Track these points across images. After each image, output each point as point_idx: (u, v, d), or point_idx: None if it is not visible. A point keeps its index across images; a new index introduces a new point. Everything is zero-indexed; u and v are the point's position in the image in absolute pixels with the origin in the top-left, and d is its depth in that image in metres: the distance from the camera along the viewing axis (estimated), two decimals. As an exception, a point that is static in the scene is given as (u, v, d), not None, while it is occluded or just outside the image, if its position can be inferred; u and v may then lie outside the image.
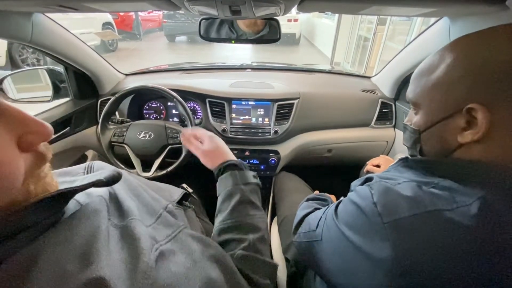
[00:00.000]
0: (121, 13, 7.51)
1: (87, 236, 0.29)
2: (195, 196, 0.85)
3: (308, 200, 0.74)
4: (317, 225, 0.51)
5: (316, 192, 0.96)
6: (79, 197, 0.35)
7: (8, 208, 0.24)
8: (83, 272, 0.25)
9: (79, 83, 1.15)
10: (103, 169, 0.49)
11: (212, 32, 0.86)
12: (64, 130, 1.08)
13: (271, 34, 0.81)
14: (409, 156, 0.47)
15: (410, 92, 0.45)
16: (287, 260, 0.83)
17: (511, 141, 0.34)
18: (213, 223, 0.93)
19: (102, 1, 0.55)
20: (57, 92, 1.10)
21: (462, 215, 0.32)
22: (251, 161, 1.20)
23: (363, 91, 1.28)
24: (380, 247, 0.35)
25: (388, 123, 1.26)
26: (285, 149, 1.20)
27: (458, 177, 0.36)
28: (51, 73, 1.08)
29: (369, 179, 0.47)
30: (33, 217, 0.26)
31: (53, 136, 1.03)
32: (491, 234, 0.31)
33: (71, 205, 0.33)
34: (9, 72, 0.96)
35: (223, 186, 0.58)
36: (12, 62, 3.90)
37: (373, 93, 1.27)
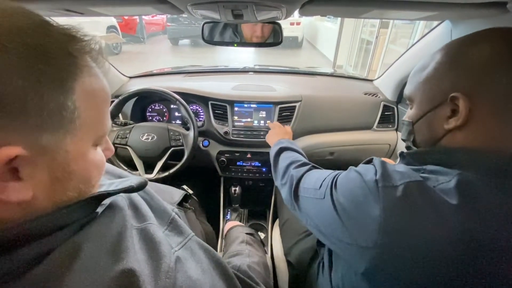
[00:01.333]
0: (125, 17, 7.60)
1: (115, 234, 0.31)
2: (195, 198, 0.86)
3: (280, 153, 0.79)
4: (321, 185, 0.53)
5: None
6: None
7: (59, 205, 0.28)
8: (115, 265, 0.27)
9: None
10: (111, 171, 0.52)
11: (215, 35, 0.87)
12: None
13: (273, 37, 0.82)
14: (404, 151, 0.50)
15: (407, 89, 0.50)
16: (289, 262, 0.83)
17: (489, 127, 0.38)
18: (211, 224, 0.95)
19: (107, 5, 0.56)
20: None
21: (442, 190, 0.36)
22: (253, 164, 1.21)
23: (365, 94, 1.28)
24: (372, 207, 0.38)
25: (390, 126, 1.26)
26: (287, 152, 1.20)
27: (442, 162, 0.41)
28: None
29: (370, 160, 0.50)
30: (77, 214, 0.30)
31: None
32: (469, 207, 0.34)
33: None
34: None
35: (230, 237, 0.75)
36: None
37: (375, 96, 1.27)
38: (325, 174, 0.55)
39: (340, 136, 1.24)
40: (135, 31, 8.10)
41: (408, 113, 0.51)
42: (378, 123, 1.25)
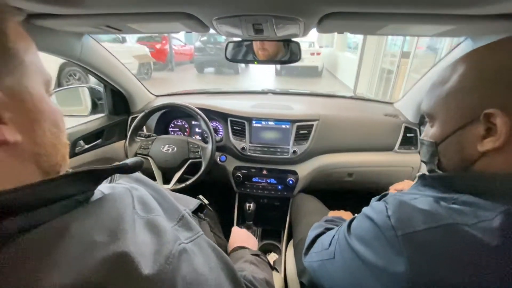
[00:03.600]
0: (157, 46, 8.33)
1: (114, 216, 0.31)
2: (210, 208, 0.85)
3: (325, 221, 0.72)
4: (330, 243, 0.50)
5: (331, 213, 0.93)
6: (104, 189, 0.38)
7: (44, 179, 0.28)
8: (111, 245, 0.27)
9: (115, 101, 1.27)
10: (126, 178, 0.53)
11: (237, 54, 0.92)
12: (96, 142, 1.17)
13: (291, 55, 0.86)
14: (426, 173, 0.46)
15: (425, 104, 0.45)
16: (302, 284, 0.78)
17: None
18: (227, 239, 0.93)
19: (141, 22, 0.63)
20: (94, 108, 1.22)
21: (483, 230, 0.31)
22: (268, 181, 1.20)
23: (386, 115, 1.27)
24: (395, 262, 0.34)
25: (412, 148, 1.21)
26: (304, 170, 1.19)
27: (480, 191, 0.34)
28: (91, 90, 1.20)
29: (385, 196, 0.47)
30: (68, 189, 0.30)
31: (86, 146, 1.12)
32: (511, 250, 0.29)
33: (97, 194, 0.36)
34: (57, 88, 1.10)
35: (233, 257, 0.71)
36: (59, 86, 4.39)
37: (396, 118, 1.25)
38: (333, 232, 0.52)
39: (359, 157, 1.21)
40: (165, 60, 8.79)
41: (427, 131, 0.46)
42: (400, 144, 1.21)
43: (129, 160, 0.38)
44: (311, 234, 0.63)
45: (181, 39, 11.04)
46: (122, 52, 5.64)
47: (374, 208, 0.41)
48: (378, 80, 5.34)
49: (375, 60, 5.51)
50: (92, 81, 1.16)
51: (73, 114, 1.16)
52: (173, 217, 0.44)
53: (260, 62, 0.90)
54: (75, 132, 1.07)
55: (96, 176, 0.34)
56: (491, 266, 0.29)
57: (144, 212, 0.37)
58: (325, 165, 1.20)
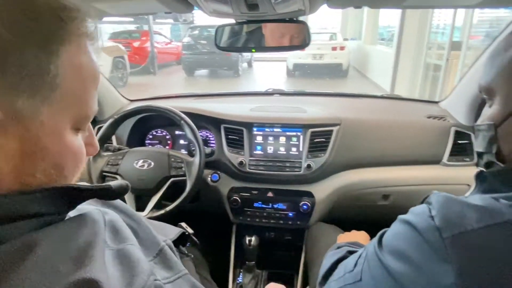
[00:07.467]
0: (135, 44, 8.69)
1: (85, 242, 0.33)
2: (196, 240, 0.85)
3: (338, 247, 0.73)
4: (355, 264, 0.51)
5: (340, 237, 0.94)
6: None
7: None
8: (76, 272, 0.29)
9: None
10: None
11: (230, 41, 0.97)
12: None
13: (299, 39, 0.89)
14: (483, 169, 0.47)
15: (482, 78, 0.47)
16: None
17: None
18: (217, 282, 0.92)
19: (108, 1, 0.67)
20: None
21: None
22: (275, 206, 1.20)
23: (429, 117, 1.28)
24: (439, 272, 0.34)
25: (467, 159, 1.20)
26: (322, 191, 1.19)
27: None
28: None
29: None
30: (38, 205, 0.32)
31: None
32: None
33: (70, 213, 0.38)
34: None
35: None
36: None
37: (443, 120, 1.26)
38: (359, 252, 0.54)
39: (396, 172, 1.21)
40: (144, 61, 9.11)
41: (485, 113, 0.48)
42: (450, 155, 1.21)
43: (114, 183, 0.40)
44: (329, 260, 0.64)
45: (166, 35, 11.51)
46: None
47: (413, 211, 0.43)
48: (422, 79, 5.39)
49: (417, 54, 5.60)
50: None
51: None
52: (150, 251, 0.46)
53: (259, 49, 0.94)
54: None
55: (71, 195, 0.35)
56: None
57: (115, 242, 0.40)
58: (350, 184, 1.20)
